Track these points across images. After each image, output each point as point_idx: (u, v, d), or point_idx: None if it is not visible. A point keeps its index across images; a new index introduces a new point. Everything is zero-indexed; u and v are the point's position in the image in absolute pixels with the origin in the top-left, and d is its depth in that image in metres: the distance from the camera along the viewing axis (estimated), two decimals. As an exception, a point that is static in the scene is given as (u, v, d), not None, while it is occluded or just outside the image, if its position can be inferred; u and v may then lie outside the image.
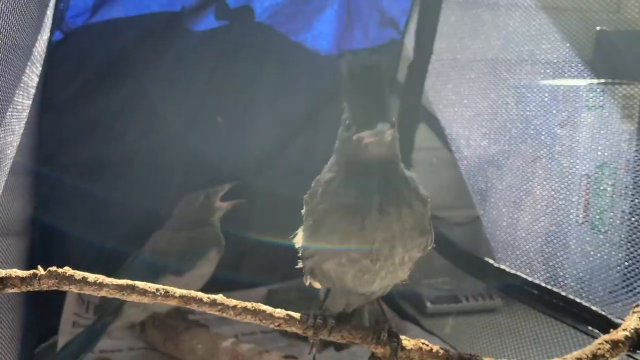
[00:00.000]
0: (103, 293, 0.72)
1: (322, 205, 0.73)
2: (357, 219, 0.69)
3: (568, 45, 1.15)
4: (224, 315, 0.71)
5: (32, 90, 1.04)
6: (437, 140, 1.42)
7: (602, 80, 1.14)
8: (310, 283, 0.81)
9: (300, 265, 0.80)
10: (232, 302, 0.70)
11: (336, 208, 0.71)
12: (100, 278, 0.71)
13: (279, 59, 1.47)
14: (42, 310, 1.21)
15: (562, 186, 1.17)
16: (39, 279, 0.70)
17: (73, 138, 1.36)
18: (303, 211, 0.77)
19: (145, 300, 0.74)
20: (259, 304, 0.72)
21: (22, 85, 0.96)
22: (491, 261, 1.24)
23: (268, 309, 0.72)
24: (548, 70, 1.18)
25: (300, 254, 0.79)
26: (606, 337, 0.82)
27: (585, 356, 0.80)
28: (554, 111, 1.20)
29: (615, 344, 0.81)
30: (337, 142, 0.73)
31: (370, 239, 0.70)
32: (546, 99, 1.21)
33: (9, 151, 0.92)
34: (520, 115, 1.24)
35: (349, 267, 0.73)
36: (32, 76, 1.03)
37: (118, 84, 1.36)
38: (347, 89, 0.70)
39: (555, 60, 1.18)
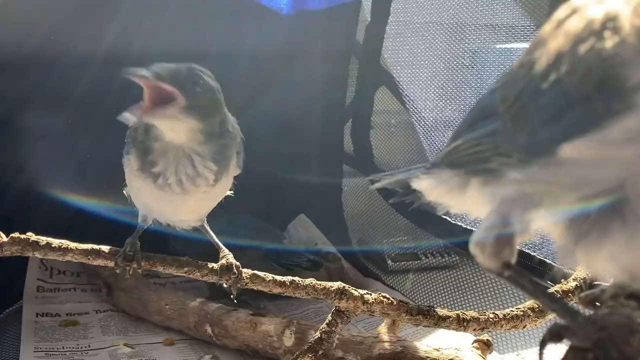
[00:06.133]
0: (68, 258, 0.74)
1: None
2: None
3: (522, 7, 1.17)
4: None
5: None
6: (396, 102, 1.44)
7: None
8: None
9: None
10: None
11: None
12: (65, 243, 0.72)
13: (233, 15, 1.42)
14: (5, 275, 1.19)
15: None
16: (1, 246, 0.70)
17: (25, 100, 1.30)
18: None
19: (110, 264, 0.76)
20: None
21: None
22: (449, 218, 1.28)
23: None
24: (502, 33, 1.20)
25: None
26: (557, 287, 0.89)
27: (536, 306, 0.88)
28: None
29: (565, 294, 0.88)
30: None
31: None
32: (500, 62, 1.23)
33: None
34: (476, 77, 1.27)
35: None
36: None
37: (66, 45, 1.29)
38: None
39: (509, 24, 1.19)
